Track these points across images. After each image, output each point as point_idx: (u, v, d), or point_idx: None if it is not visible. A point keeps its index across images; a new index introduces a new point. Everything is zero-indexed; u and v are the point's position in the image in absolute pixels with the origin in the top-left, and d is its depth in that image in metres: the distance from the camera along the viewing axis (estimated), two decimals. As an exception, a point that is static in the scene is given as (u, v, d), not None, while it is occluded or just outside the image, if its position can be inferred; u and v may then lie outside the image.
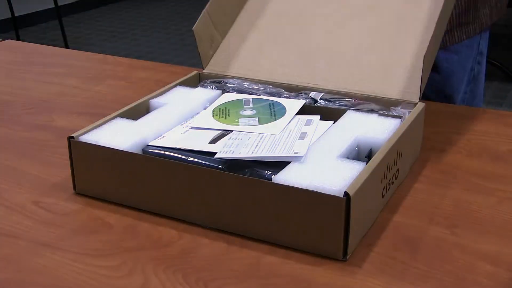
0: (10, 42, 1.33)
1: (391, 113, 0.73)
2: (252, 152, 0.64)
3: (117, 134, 0.68)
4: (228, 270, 0.56)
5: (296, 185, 0.57)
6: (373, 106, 0.75)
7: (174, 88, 0.82)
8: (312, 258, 0.57)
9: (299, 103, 0.76)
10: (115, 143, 0.66)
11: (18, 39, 3.64)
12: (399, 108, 0.74)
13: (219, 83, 0.84)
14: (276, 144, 0.66)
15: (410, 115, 0.71)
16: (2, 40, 1.33)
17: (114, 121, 0.72)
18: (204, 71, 0.89)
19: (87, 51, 1.32)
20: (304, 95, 0.79)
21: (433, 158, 0.76)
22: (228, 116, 0.74)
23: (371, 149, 0.68)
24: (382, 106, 0.75)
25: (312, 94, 0.79)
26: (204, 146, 0.67)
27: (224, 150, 0.65)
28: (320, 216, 0.56)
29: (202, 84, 0.84)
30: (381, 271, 0.55)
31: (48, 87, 1.04)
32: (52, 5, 3.93)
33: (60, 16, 3.84)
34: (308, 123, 0.72)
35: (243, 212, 0.60)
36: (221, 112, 0.75)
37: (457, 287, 0.53)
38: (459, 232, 0.61)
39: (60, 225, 0.64)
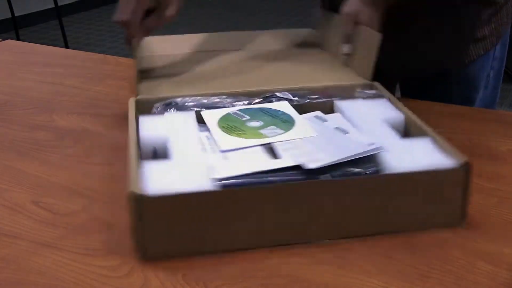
0: (10, 42, 1.33)
1: (371, 94, 0.79)
2: (334, 155, 0.62)
3: (173, 176, 0.59)
4: (228, 270, 0.56)
5: (410, 170, 0.60)
6: (340, 93, 0.79)
7: (142, 121, 0.71)
8: (312, 258, 0.57)
9: (285, 104, 0.76)
10: (188, 186, 0.57)
11: (18, 39, 3.63)
12: (362, 91, 0.80)
13: (170, 104, 0.76)
14: (337, 143, 0.66)
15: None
16: (2, 40, 1.33)
17: (145, 166, 0.61)
18: (139, 97, 0.78)
19: (87, 51, 1.32)
20: (274, 97, 0.78)
21: (433, 158, 0.75)
22: (243, 131, 0.69)
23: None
24: (344, 93, 0.79)
25: (279, 94, 0.79)
26: (271, 163, 0.62)
27: (304, 160, 0.61)
28: (440, 191, 0.61)
29: (159, 109, 0.75)
30: (380, 270, 0.55)
31: (48, 87, 1.04)
32: (52, 5, 3.93)
33: (60, 16, 3.84)
34: (323, 119, 0.73)
35: (360, 212, 0.59)
36: (233, 130, 0.70)
37: (457, 287, 0.53)
38: (459, 232, 0.61)
39: (60, 225, 0.64)
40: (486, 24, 0.96)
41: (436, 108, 0.89)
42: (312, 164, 0.60)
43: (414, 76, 0.98)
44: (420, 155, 0.63)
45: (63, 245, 0.61)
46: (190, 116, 0.73)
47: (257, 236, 0.59)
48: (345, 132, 0.70)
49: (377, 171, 0.61)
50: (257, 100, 0.78)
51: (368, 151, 0.63)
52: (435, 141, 0.65)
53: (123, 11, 0.82)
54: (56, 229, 0.63)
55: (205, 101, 0.77)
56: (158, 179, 0.58)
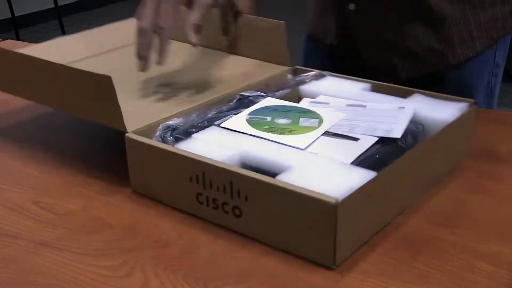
0: (10, 42, 1.33)
1: (311, 76, 0.85)
2: (398, 123, 0.69)
3: (323, 179, 0.60)
4: (228, 270, 0.56)
5: (448, 120, 0.69)
6: (279, 83, 0.83)
7: (187, 148, 0.66)
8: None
9: (273, 99, 0.77)
10: (345, 181, 0.58)
11: (18, 39, 3.64)
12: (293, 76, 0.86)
13: (171, 129, 0.71)
14: (380, 115, 0.72)
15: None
16: (2, 40, 1.33)
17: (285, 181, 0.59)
18: (133, 130, 0.69)
19: (87, 51, 1.32)
20: (249, 97, 0.79)
21: (433, 158, 0.76)
22: (292, 129, 0.70)
23: None
24: (282, 82, 0.84)
25: (249, 93, 0.79)
26: (363, 143, 0.67)
27: (381, 133, 0.67)
28: (466, 127, 0.73)
29: (167, 137, 0.69)
30: (381, 271, 0.55)
31: (48, 87, 1.04)
32: (52, 5, 3.94)
33: (60, 16, 3.84)
34: (323, 102, 0.77)
35: (437, 160, 0.70)
36: (281, 130, 0.69)
37: (456, 287, 0.53)
38: (459, 232, 0.61)
39: (60, 225, 0.64)
40: (474, 25, 0.95)
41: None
42: (394, 133, 0.67)
43: (406, 78, 0.98)
44: (435, 107, 0.73)
45: (63, 245, 0.61)
46: (220, 130, 0.70)
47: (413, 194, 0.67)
48: (362, 106, 0.74)
49: (424, 127, 0.70)
50: (233, 104, 0.77)
51: (411, 112, 0.71)
52: (425, 95, 0.76)
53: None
54: (56, 229, 0.63)
55: (194, 115, 0.73)
56: (317, 187, 0.56)
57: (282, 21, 0.87)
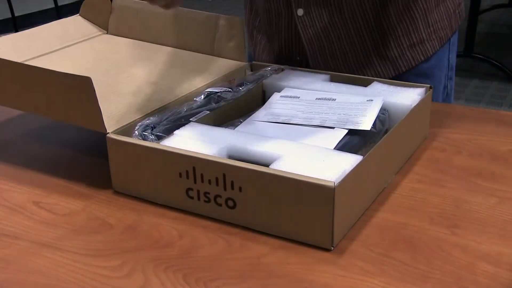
0: (10, 42, 1.33)
1: (271, 70, 0.87)
2: (367, 115, 0.73)
3: (315, 165, 0.62)
4: (228, 270, 0.56)
5: (409, 105, 0.75)
6: (240, 78, 0.85)
7: (178, 144, 0.67)
8: (312, 258, 0.58)
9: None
10: (336, 167, 0.61)
11: (18, 39, 3.63)
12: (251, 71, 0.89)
13: (150, 128, 0.71)
14: (351, 107, 0.75)
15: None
16: (2, 40, 1.33)
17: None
18: (117, 129, 0.69)
19: (87, 51, 1.32)
20: (220, 92, 0.79)
21: (434, 158, 0.76)
22: None
23: None
24: (241, 77, 0.86)
25: (217, 90, 0.80)
26: (340, 131, 0.71)
27: (351, 125, 0.71)
28: (425, 107, 0.79)
29: (146, 134, 0.69)
30: (381, 271, 0.55)
31: (48, 87, 1.04)
32: (52, 5, 3.94)
33: (60, 16, 3.84)
34: (294, 96, 0.79)
35: (408, 140, 0.75)
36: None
37: (457, 287, 0.53)
38: (459, 232, 0.61)
39: (60, 225, 0.64)
40: (423, 27, 0.92)
41: (437, 108, 0.89)
42: (363, 126, 0.71)
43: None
44: (395, 94, 0.78)
45: (63, 245, 0.61)
46: (201, 126, 0.70)
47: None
48: (332, 99, 0.77)
49: (388, 112, 0.76)
50: (202, 101, 0.77)
51: (380, 104, 0.75)
52: (383, 83, 0.81)
53: None
54: (56, 229, 0.63)
55: (167, 114, 0.73)
56: (310, 173, 0.59)
57: (239, 17, 0.88)
